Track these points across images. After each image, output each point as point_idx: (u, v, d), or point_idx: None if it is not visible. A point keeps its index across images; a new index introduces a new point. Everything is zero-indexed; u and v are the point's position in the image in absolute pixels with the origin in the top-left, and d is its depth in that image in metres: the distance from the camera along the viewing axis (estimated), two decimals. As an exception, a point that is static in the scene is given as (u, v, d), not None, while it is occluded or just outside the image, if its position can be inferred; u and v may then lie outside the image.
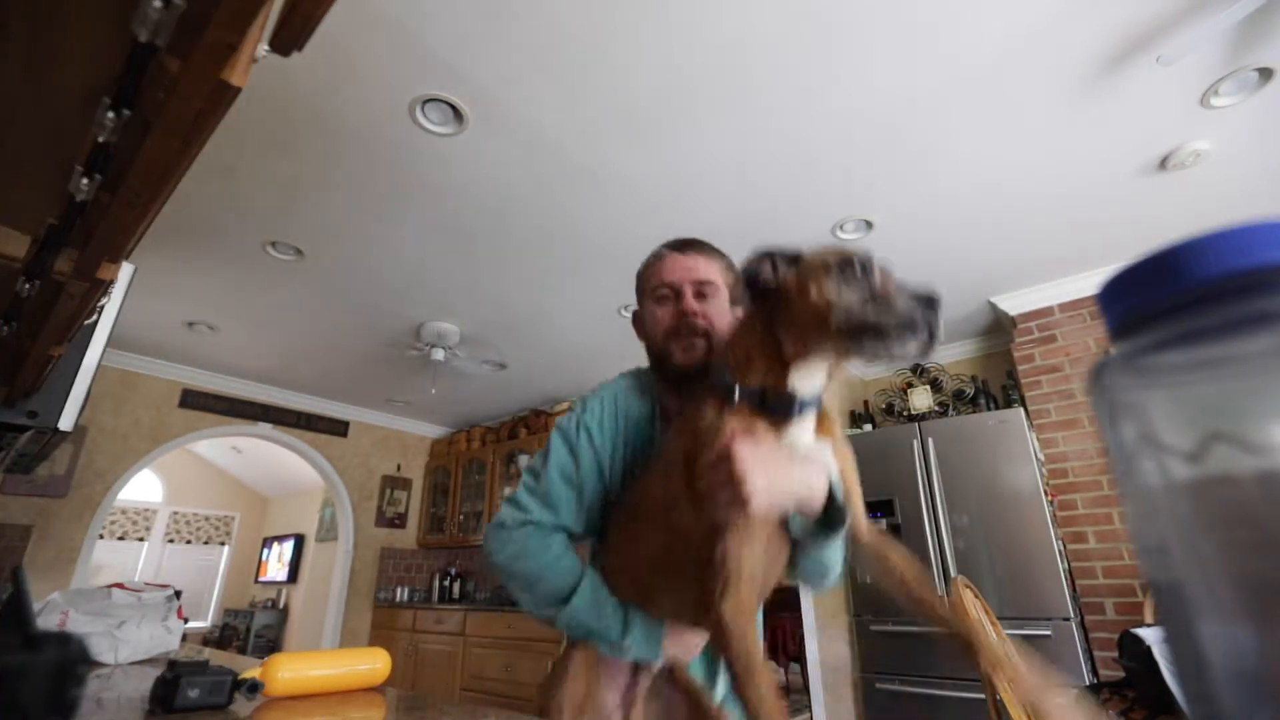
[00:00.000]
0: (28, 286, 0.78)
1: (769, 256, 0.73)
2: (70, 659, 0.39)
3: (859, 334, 0.64)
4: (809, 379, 0.71)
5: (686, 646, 0.87)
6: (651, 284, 0.96)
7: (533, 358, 4.26)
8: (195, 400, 4.57)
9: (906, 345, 0.61)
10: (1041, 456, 3.03)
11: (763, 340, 0.73)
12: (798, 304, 0.69)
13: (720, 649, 0.69)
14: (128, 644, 1.18)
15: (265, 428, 4.92)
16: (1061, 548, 2.84)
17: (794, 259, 0.73)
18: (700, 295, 0.92)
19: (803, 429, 0.73)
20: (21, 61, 0.47)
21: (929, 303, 0.62)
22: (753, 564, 0.70)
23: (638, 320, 1.01)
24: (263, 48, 0.45)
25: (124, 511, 7.18)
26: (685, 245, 0.96)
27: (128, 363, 4.27)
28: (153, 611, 1.26)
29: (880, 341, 0.63)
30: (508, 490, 5.25)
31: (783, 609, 4.32)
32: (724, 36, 1.76)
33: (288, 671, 0.90)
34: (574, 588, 0.84)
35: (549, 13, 1.69)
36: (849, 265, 0.66)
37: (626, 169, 2.31)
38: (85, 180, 0.56)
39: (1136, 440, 0.19)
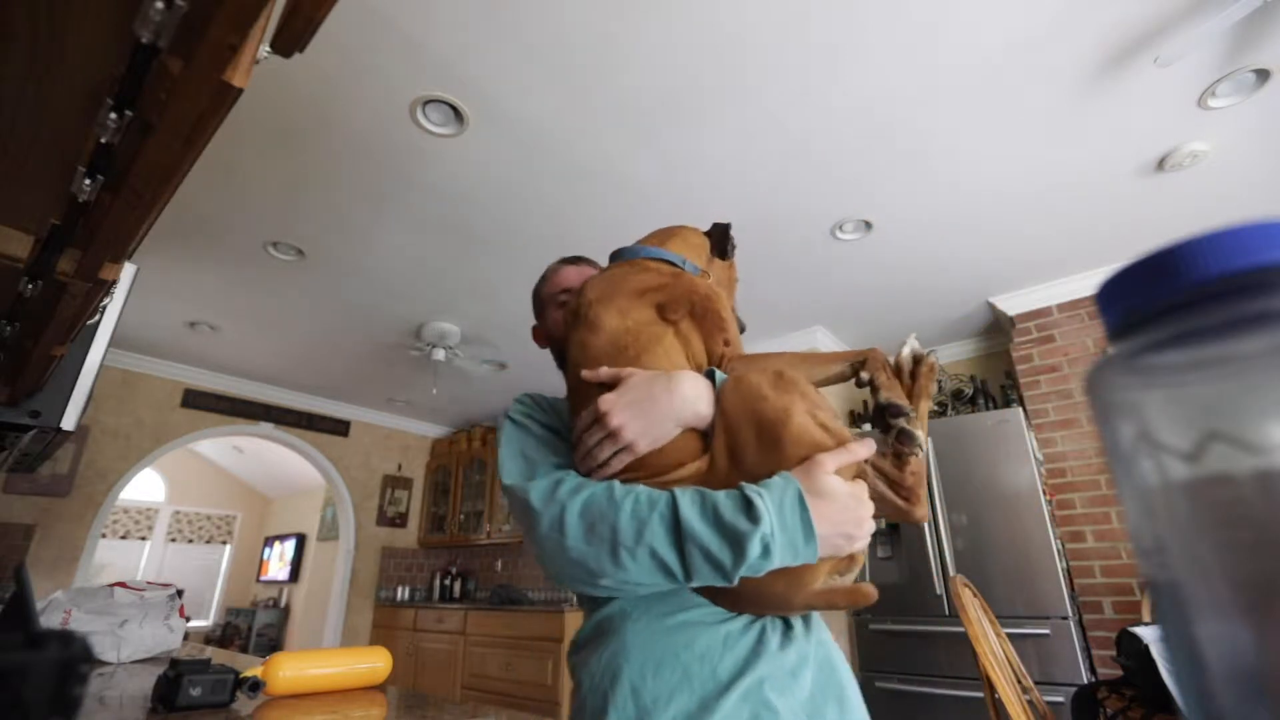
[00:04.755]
0: (30, 287, 0.78)
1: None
2: (73, 657, 0.40)
3: None
4: None
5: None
6: (552, 292, 1.04)
7: (533, 358, 4.26)
8: (197, 400, 4.58)
9: None
10: (1040, 456, 3.03)
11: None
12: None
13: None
14: (130, 642, 1.19)
15: (267, 427, 4.92)
16: (1060, 547, 2.84)
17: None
18: None
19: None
20: (24, 63, 0.48)
21: None
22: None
23: (538, 333, 1.08)
24: (264, 49, 0.45)
25: (126, 511, 7.18)
26: (576, 259, 1.06)
27: (130, 362, 4.28)
28: (155, 610, 1.27)
29: None
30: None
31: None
32: (724, 36, 1.76)
33: (289, 670, 0.90)
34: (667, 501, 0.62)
35: (549, 13, 1.69)
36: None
37: (626, 169, 2.31)
38: (87, 181, 0.56)
39: (1134, 440, 0.19)
